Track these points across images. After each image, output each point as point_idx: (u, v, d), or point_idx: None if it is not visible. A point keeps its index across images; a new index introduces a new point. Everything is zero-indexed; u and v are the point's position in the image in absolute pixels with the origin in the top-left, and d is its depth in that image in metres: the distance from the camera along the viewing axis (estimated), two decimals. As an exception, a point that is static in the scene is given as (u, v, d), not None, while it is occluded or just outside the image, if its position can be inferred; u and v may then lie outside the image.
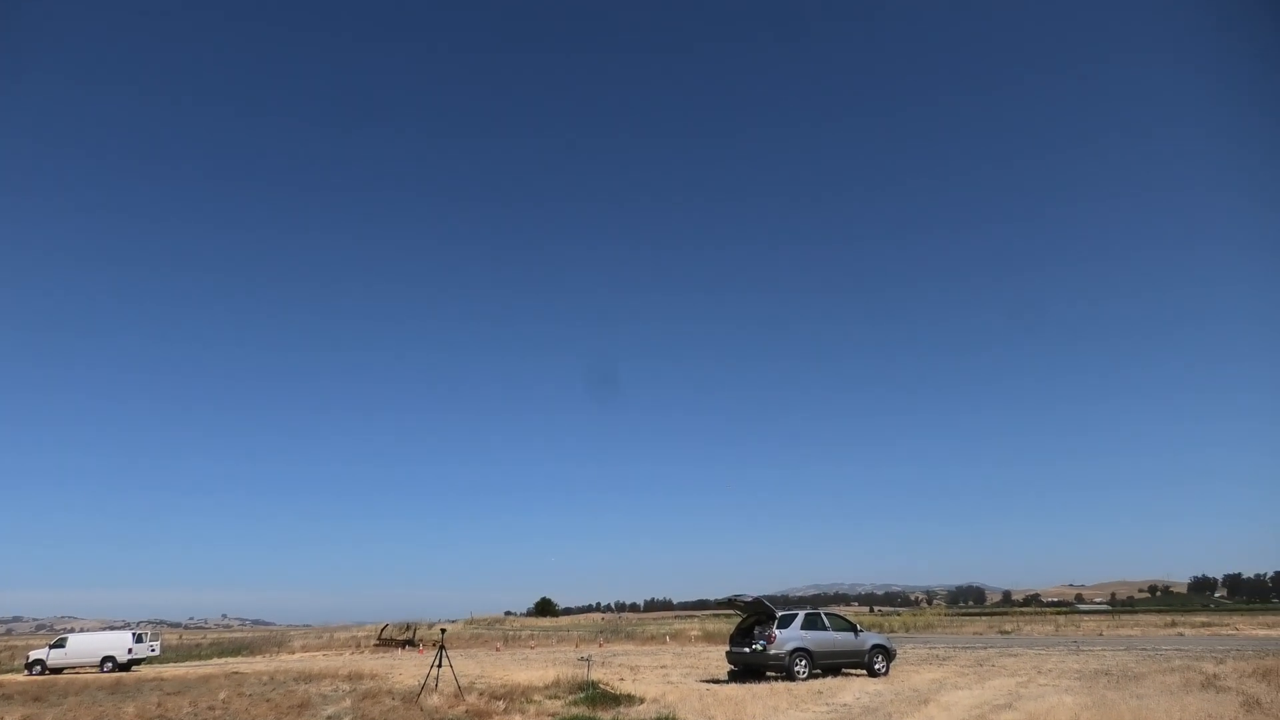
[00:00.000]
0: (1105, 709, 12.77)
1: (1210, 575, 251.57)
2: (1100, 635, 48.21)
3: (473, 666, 28.98)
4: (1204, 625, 57.41)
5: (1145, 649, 32.09)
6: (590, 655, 29.43)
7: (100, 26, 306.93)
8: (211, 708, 16.95)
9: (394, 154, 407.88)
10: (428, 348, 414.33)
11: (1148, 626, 58.84)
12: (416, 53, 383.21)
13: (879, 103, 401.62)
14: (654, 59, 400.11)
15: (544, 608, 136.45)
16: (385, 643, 57.17)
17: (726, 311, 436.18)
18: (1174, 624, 60.66)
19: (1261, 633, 46.34)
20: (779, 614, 21.94)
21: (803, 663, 21.01)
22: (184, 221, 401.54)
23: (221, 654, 55.60)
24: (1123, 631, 52.51)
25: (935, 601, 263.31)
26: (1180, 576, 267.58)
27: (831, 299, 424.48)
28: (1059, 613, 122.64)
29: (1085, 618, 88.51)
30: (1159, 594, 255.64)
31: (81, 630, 43.53)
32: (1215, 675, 18.29)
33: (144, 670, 37.68)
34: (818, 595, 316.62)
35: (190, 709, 16.76)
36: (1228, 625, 56.17)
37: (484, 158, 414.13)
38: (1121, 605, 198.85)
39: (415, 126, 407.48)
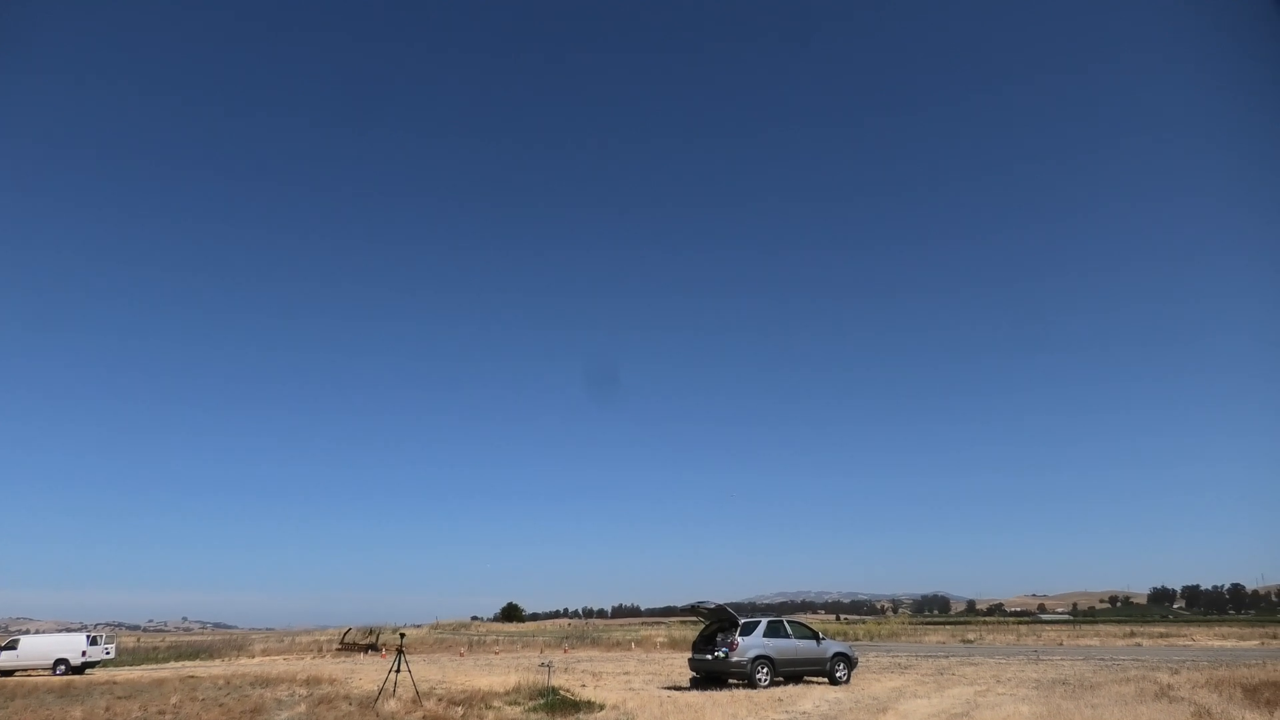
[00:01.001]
0: (1060, 718, 12.89)
1: (1169, 587, 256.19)
2: (1060, 645, 48.83)
3: (434, 672, 28.70)
4: (1162, 636, 58.46)
5: (1103, 659, 32.55)
6: (551, 661, 29.25)
7: (100, 24, 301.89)
8: (162, 712, 16.60)
9: (394, 154, 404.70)
10: (393, 351, 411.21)
11: (1107, 636, 59.72)
12: (418, 54, 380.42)
13: (884, 107, 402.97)
14: (654, 61, 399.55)
15: (511, 613, 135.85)
16: (348, 647, 56.48)
17: (700, 319, 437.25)
18: (1132, 634, 61.66)
19: (1217, 643, 47.20)
20: (742, 621, 21.95)
21: (764, 670, 21.03)
22: (178, 219, 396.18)
23: (179, 657, 54.55)
24: (1082, 641, 53.20)
25: (900, 610, 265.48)
26: (1140, 588, 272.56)
27: (802, 307, 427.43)
28: (1021, 622, 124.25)
29: (1047, 627, 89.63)
30: (1119, 605, 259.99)
31: (36, 631, 42.57)
32: (1169, 685, 18.56)
33: (97, 673, 36.86)
34: (785, 603, 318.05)
35: (140, 713, 16.40)
36: (1185, 636, 57.24)
37: (483, 158, 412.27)
38: (1083, 615, 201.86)
39: (416, 127, 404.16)
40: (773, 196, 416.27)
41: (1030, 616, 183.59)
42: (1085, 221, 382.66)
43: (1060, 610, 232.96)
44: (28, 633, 42.26)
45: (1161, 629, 75.14)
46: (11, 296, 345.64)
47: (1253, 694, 16.02)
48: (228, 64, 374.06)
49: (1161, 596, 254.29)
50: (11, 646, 38.73)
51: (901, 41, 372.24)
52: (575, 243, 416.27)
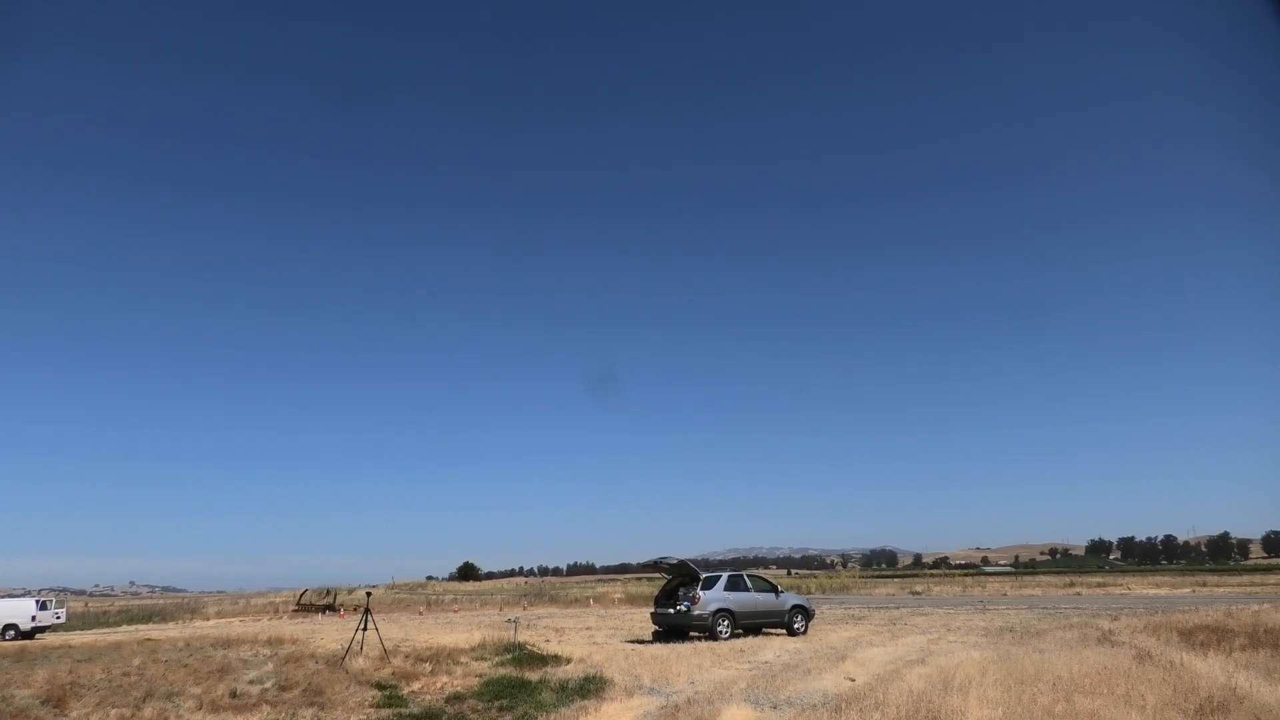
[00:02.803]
0: (1010, 662, 13.47)
1: (1106, 539, 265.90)
2: (1004, 595, 50.67)
3: (396, 630, 28.81)
4: (1099, 585, 60.84)
5: (1046, 608, 33.91)
6: (516, 618, 29.57)
7: (111, 8, 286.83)
8: (126, 674, 16.47)
9: (393, 143, 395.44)
10: (345, 314, 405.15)
11: (1048, 587, 62.05)
12: (419, 49, 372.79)
13: (885, 94, 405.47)
14: (653, 56, 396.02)
15: (467, 572, 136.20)
16: (305, 608, 56.31)
17: (655, 279, 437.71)
18: (1072, 584, 64.09)
19: (1151, 592, 49.33)
20: (703, 576, 22.40)
21: (725, 623, 21.54)
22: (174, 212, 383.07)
23: (131, 621, 53.90)
24: (1025, 592, 55.27)
25: (850, 564, 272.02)
26: (1078, 540, 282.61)
27: (755, 266, 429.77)
28: (966, 574, 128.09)
29: (990, 579, 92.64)
30: (1059, 556, 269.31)
31: (-20, 598, 41.66)
32: (1110, 631, 19.45)
33: (49, 638, 36.30)
34: (737, 558, 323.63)
35: (104, 675, 16.25)
36: (1121, 585, 59.67)
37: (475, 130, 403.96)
38: (1024, 567, 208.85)
39: (416, 122, 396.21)
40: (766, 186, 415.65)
41: (974, 569, 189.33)
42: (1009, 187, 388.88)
43: (1003, 562, 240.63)
44: (-29, 599, 41.30)
45: (1099, 579, 78.22)
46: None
47: (1188, 637, 16.88)
48: (227, 50, 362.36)
49: (1098, 548, 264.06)
50: (-43, 613, 37.93)
51: (901, 36, 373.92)
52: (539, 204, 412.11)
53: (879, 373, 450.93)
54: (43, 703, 12.86)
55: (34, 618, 37.80)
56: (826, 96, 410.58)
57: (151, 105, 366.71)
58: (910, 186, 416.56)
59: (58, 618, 40.60)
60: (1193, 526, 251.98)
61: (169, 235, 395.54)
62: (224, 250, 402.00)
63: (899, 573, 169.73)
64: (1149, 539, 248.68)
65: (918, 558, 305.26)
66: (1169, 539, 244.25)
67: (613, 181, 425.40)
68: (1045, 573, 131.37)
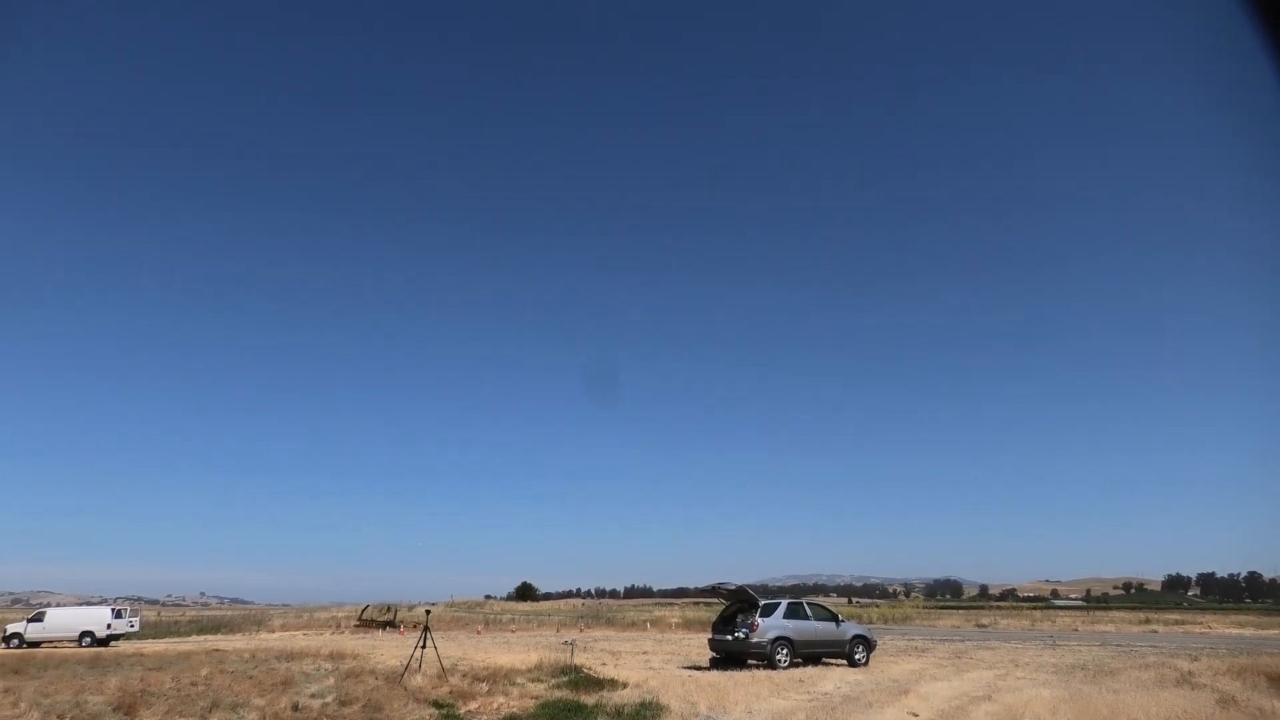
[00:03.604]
0: (1081, 702, 12.96)
1: (1184, 574, 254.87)
2: (1075, 631, 48.87)
3: (454, 649, 29.03)
4: (1177, 623, 58.28)
5: (1120, 645, 32.59)
6: (573, 640, 29.55)
7: (106, 11, 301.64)
8: (194, 684, 16.91)
9: (392, 144, 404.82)
10: (412, 333, 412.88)
11: (1122, 623, 59.63)
12: (417, 44, 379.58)
13: (881, 97, 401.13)
14: (652, 51, 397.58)
15: (524, 592, 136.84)
16: (366, 623, 57.15)
17: (710, 304, 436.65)
18: (1148, 621, 61.50)
19: (1234, 631, 47.07)
20: (762, 603, 22.10)
21: (784, 651, 21.18)
22: (178, 208, 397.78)
23: (201, 631, 55.38)
24: (1098, 627, 53.20)
25: (913, 594, 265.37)
26: (1154, 575, 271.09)
27: (815, 292, 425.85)
28: (1035, 608, 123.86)
29: (1060, 613, 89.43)
30: (1133, 591, 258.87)
31: (57, 605, 43.35)
32: (1190, 672, 18.59)
33: (122, 646, 37.53)
34: (796, 586, 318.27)
35: (173, 684, 16.71)
36: (1200, 623, 57.04)
37: (483, 146, 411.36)
38: (1096, 602, 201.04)
39: (415, 117, 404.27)
40: (774, 185, 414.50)
41: (1043, 602, 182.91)
42: (1064, 216, 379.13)
43: (1073, 596, 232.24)
44: (50, 606, 42.99)
45: (1177, 616, 74.94)
46: (26, 277, 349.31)
47: (1277, 682, 16.04)
48: (227, 53, 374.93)
49: (1176, 584, 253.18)
50: (38, 619, 39.50)
51: (896, 35, 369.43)
52: (586, 228, 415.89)
53: (947, 398, 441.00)
54: (114, 709, 13.25)
55: (109, 626, 39.14)
56: (831, 119, 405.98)
57: (154, 111, 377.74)
58: (994, 202, 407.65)
59: (132, 626, 41.98)
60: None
61: (230, 255, 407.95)
62: (285, 276, 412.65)
63: (964, 604, 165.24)
64: (1231, 575, 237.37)
65: (984, 589, 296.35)
66: (1253, 575, 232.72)
67: (704, 200, 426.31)
68: (1118, 608, 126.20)
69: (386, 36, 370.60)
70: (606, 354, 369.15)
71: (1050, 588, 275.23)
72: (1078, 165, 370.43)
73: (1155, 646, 31.48)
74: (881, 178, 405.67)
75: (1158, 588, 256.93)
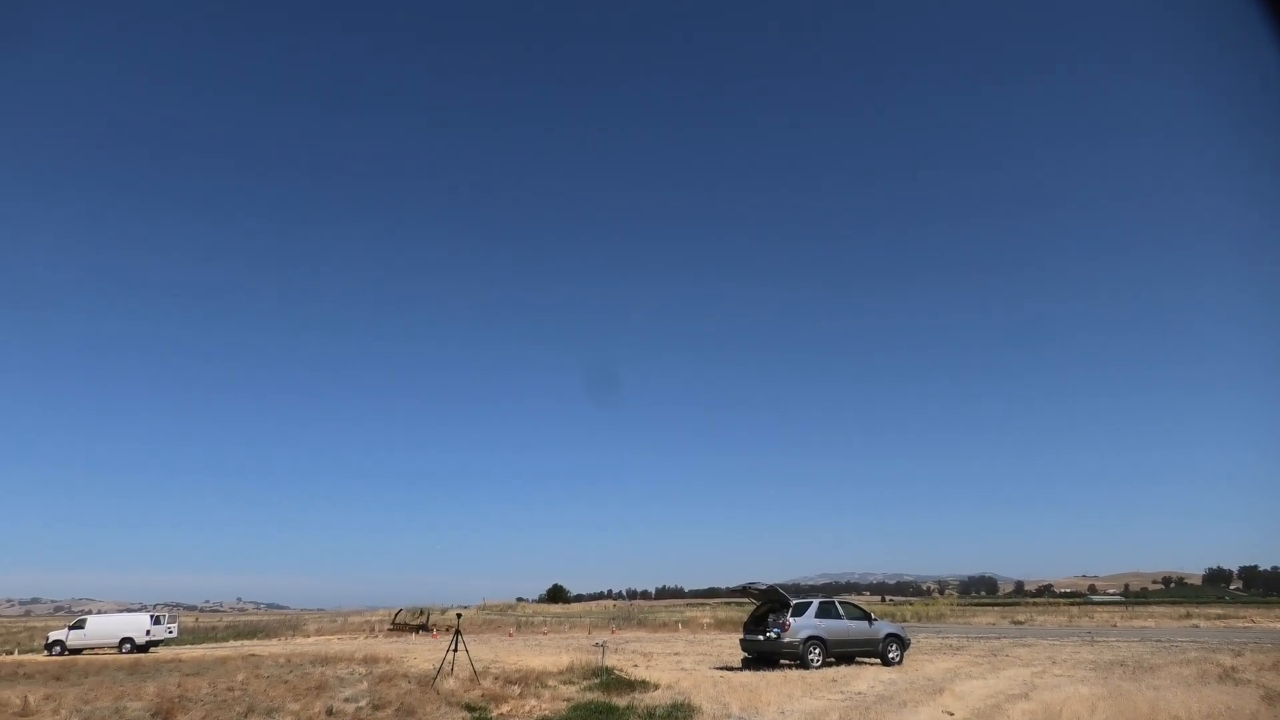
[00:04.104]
0: (1121, 699, 12.71)
1: (1225, 567, 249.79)
2: (1114, 626, 48.09)
3: (486, 652, 29.15)
4: (1219, 618, 57.22)
5: (1160, 640, 31.99)
6: (604, 641, 29.55)
7: (105, 16, 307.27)
8: (230, 689, 17.11)
9: (393, 146, 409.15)
10: (440, 336, 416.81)
11: (1162, 618, 58.68)
12: (416, 44, 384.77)
13: (881, 98, 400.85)
14: (653, 51, 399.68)
15: (555, 595, 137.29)
16: (399, 627, 57.62)
17: (734, 304, 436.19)
18: (1188, 616, 60.49)
19: (1279, 625, 46.10)
20: (793, 602, 21.92)
21: (817, 651, 21.00)
22: (183, 212, 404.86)
23: (237, 636, 56.14)
24: (1137, 623, 52.37)
25: (947, 591, 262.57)
26: (1194, 568, 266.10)
27: (839, 291, 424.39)
28: (1072, 603, 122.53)
29: (1099, 609, 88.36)
30: (1173, 585, 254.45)
31: (98, 612, 44.11)
32: (1233, 668, 18.20)
33: (161, 652, 38.09)
34: (829, 584, 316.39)
35: (210, 690, 16.92)
36: (1243, 618, 55.95)
37: (482, 149, 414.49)
38: (1135, 597, 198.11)
39: (415, 118, 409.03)
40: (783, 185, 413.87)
41: (1081, 598, 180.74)
42: (1091, 212, 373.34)
43: (1111, 591, 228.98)
44: (91, 613, 43.75)
45: (1218, 610, 73.66)
46: (60, 286, 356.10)
47: (1323, 677, 15.67)
48: (229, 55, 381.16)
49: (1217, 577, 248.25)
50: (79, 626, 40.16)
51: (897, 37, 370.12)
52: (600, 230, 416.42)
53: (980, 395, 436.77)
54: (152, 715, 13.44)
55: (148, 632, 39.74)
56: (835, 121, 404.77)
57: (153, 112, 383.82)
58: (1021, 199, 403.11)
59: (170, 632, 42.59)
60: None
61: (276, 266, 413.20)
62: (300, 280, 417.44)
63: (999, 601, 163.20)
64: (1275, 568, 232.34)
65: (1019, 585, 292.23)
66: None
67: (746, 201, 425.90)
68: (1158, 603, 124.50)
69: (386, 38, 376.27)
70: (634, 357, 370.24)
71: (1088, 583, 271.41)
72: (1090, 163, 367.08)
73: (1197, 642, 30.87)
74: (886, 176, 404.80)
75: (1198, 582, 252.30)
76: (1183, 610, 73.24)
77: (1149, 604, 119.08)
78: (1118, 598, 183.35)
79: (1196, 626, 47.06)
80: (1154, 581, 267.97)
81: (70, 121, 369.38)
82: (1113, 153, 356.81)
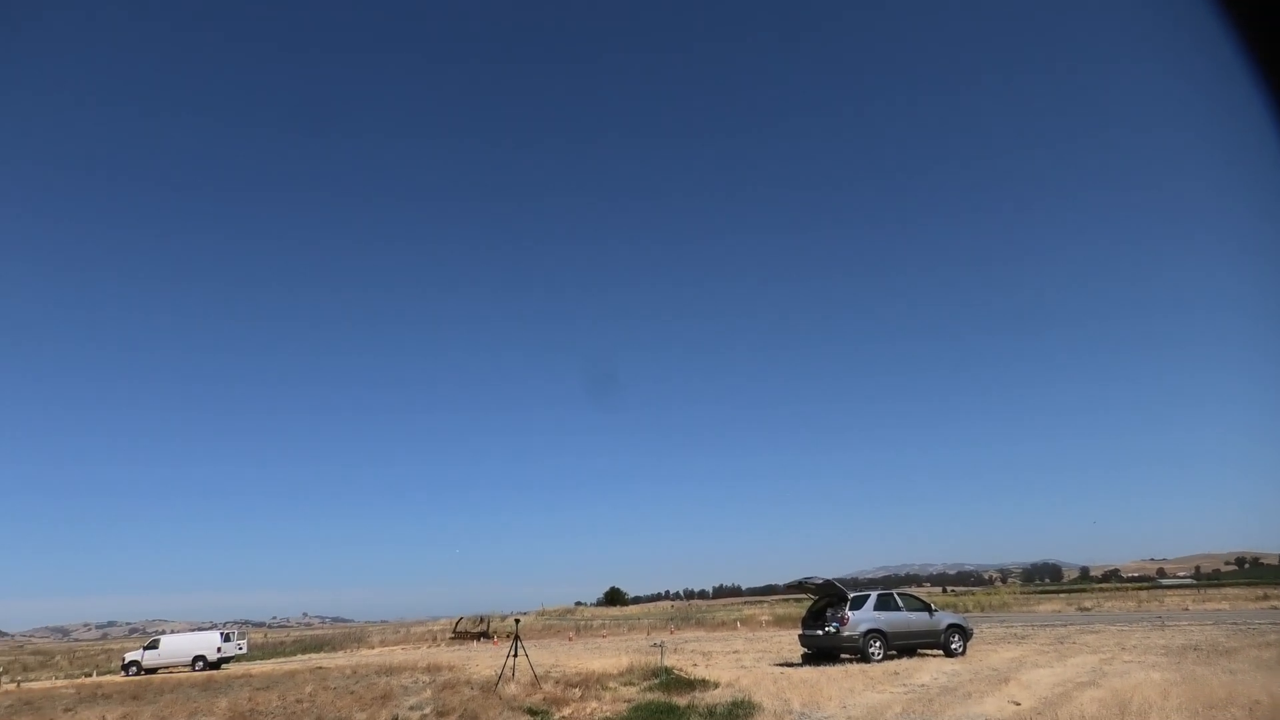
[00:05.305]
0: (1195, 684, 12.38)
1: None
2: (1186, 610, 46.72)
3: (546, 656, 29.34)
4: (1298, 597, 55.22)
5: (1236, 623, 30.99)
6: (662, 641, 29.55)
7: (107, 42, 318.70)
8: (299, 701, 17.50)
9: (390, 156, 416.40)
10: (495, 347, 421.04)
11: (1236, 600, 56.87)
12: (412, 56, 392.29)
13: (877, 99, 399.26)
14: (647, 59, 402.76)
15: (613, 597, 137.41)
16: (460, 635, 58.22)
17: (773, 302, 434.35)
18: (1266, 597, 58.44)
19: (1361, 603, 44.39)
20: (851, 595, 21.72)
21: (877, 644, 20.77)
22: (182, 229, 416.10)
23: (304, 650, 57.24)
24: (1210, 606, 50.82)
25: (1009, 580, 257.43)
26: (1270, 548, 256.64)
27: (881, 283, 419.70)
28: (1141, 588, 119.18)
29: (1169, 592, 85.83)
30: (1248, 566, 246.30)
31: (171, 632, 45.30)
32: (1313, 647, 17.61)
33: (232, 668, 39.00)
34: (888, 577, 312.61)
35: (279, 703, 17.32)
36: (1324, 596, 53.92)
37: (479, 158, 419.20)
38: (1207, 579, 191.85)
39: (413, 129, 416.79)
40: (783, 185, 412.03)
41: (1150, 581, 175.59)
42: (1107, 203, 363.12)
43: (1182, 574, 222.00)
44: (165, 633, 44.98)
45: (1297, 589, 71.07)
46: (124, 310, 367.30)
47: None
48: (223, 76, 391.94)
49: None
50: (154, 646, 41.31)
51: (892, 36, 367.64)
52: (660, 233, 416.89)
53: (1041, 378, 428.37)
54: (226, 729, 13.78)
55: (219, 649, 40.73)
56: (833, 119, 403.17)
57: (158, 130, 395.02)
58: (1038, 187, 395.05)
59: (240, 649, 43.61)
60: None
61: (288, 281, 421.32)
62: (326, 295, 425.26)
63: (1064, 588, 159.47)
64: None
65: (1085, 571, 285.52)
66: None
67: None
68: (1232, 584, 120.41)
69: (389, 51, 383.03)
70: (684, 359, 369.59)
71: (1156, 566, 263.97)
72: (1100, 158, 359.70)
73: (1275, 624, 29.84)
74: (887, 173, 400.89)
75: (1275, 561, 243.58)
76: (1259, 591, 70.71)
77: (1222, 585, 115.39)
78: (1189, 580, 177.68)
79: (1276, 608, 45.48)
80: (1226, 562, 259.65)
81: (62, 139, 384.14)
82: (1113, 145, 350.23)
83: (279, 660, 47.54)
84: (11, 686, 35.58)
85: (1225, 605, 50.68)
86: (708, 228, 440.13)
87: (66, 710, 19.51)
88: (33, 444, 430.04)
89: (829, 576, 22.79)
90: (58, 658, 70.24)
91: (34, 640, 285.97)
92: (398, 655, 41.23)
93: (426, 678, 22.00)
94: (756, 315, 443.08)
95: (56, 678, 43.40)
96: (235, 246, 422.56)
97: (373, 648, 55.47)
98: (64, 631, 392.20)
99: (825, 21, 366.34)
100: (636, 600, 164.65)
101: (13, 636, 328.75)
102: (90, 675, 43.34)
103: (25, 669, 54.16)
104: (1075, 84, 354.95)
